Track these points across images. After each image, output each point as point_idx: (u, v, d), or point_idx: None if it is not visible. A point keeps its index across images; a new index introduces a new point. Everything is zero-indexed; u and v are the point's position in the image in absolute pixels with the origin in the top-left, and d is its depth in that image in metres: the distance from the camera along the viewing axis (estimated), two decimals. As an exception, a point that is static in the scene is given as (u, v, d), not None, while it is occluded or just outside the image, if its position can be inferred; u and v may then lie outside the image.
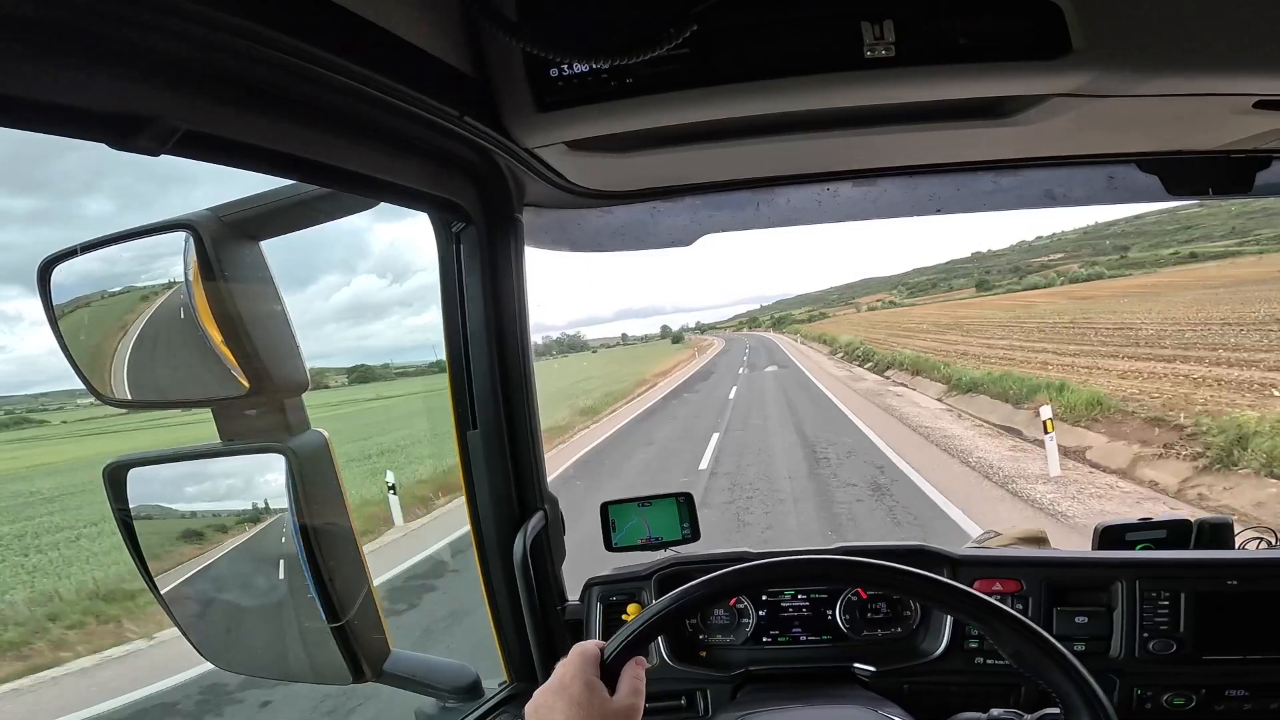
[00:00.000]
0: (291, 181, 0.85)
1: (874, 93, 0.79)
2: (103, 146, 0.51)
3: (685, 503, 1.31)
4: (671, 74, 0.78)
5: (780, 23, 0.76)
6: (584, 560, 1.39)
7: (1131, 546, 1.26)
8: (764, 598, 1.24)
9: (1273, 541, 1.33)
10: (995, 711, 0.78)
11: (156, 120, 0.50)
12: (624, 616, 1.25)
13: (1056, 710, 0.73)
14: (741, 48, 0.77)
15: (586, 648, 0.69)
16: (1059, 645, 0.65)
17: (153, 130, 0.50)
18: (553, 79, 0.81)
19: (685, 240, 1.31)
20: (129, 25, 0.45)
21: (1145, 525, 1.28)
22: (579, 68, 0.79)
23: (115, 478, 0.89)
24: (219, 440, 0.91)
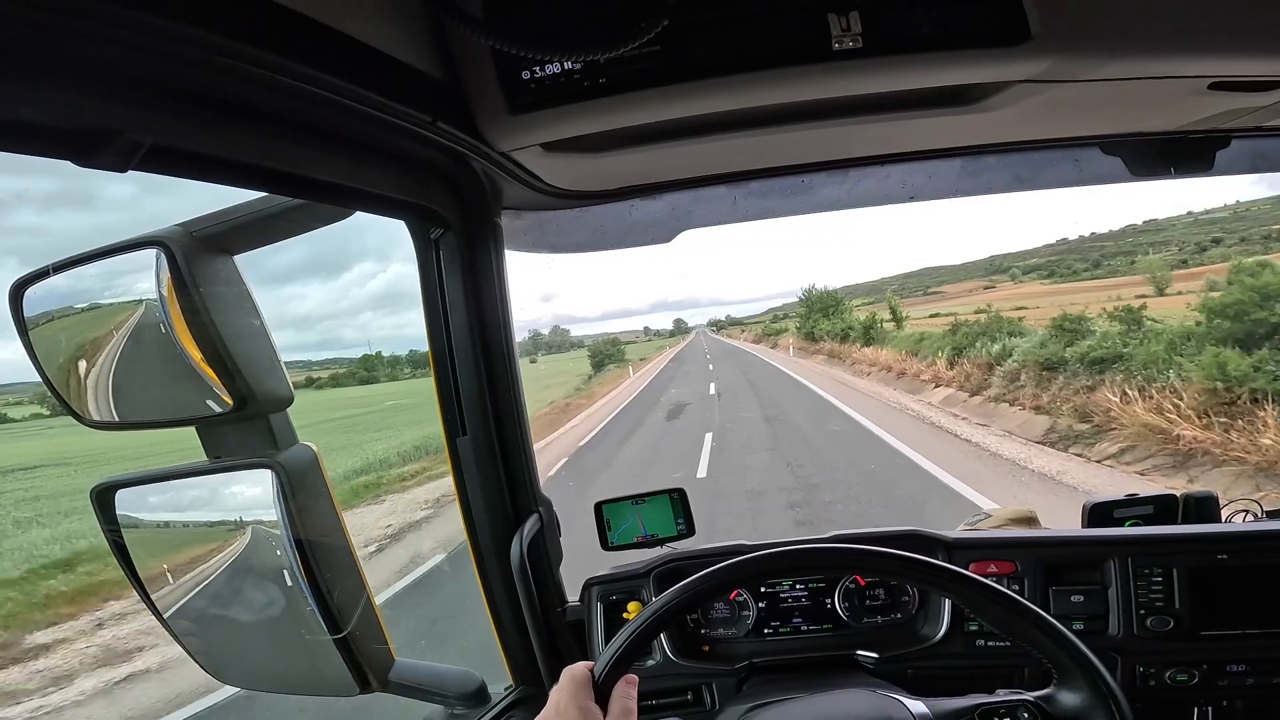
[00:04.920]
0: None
1: (843, 84, 0.80)
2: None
3: (679, 498, 1.31)
4: (643, 72, 0.78)
5: (749, 17, 0.76)
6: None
7: (1120, 523, 1.27)
8: (763, 589, 1.24)
9: (1258, 514, 1.35)
10: (1000, 693, 0.79)
11: (119, 136, 0.49)
12: (625, 615, 1.25)
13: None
14: (712, 43, 0.77)
15: (577, 671, 0.69)
16: (1032, 606, 0.66)
17: (115, 146, 0.50)
18: (524, 81, 0.80)
19: (664, 237, 1.32)
20: (84, 39, 0.44)
21: (1132, 502, 1.30)
22: (551, 69, 0.79)
23: (103, 499, 0.88)
24: (206, 459, 0.90)
